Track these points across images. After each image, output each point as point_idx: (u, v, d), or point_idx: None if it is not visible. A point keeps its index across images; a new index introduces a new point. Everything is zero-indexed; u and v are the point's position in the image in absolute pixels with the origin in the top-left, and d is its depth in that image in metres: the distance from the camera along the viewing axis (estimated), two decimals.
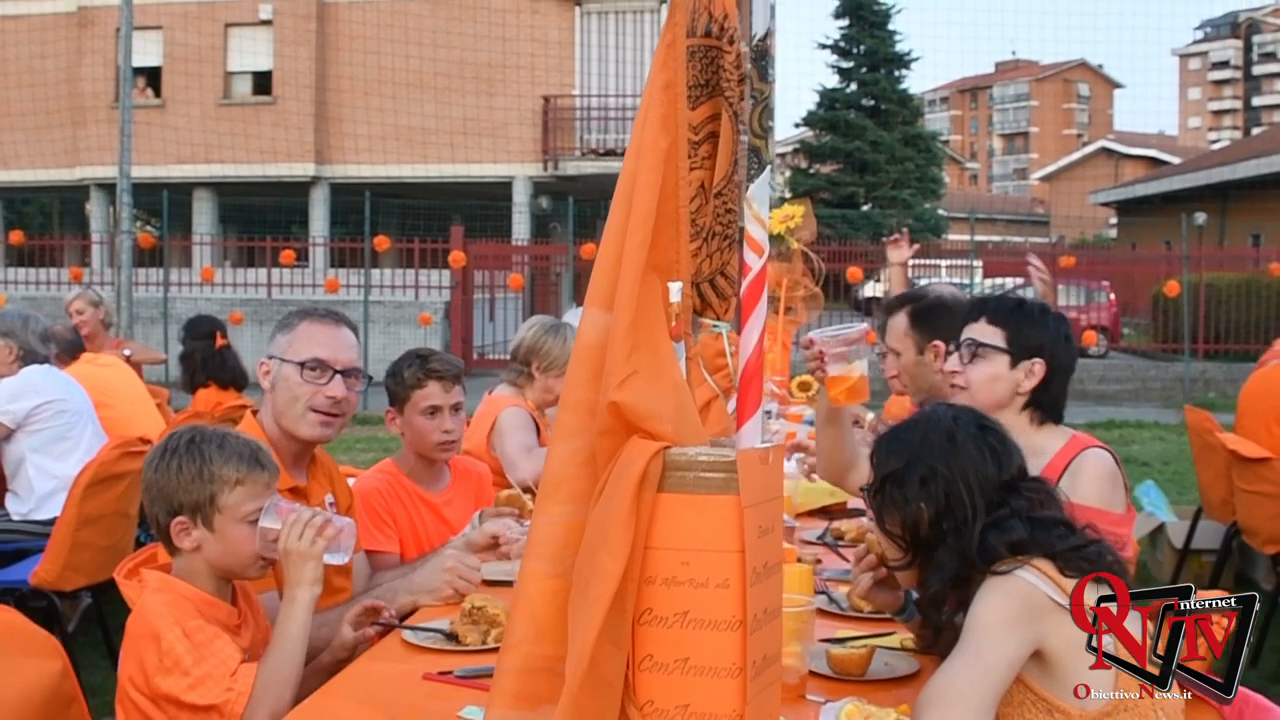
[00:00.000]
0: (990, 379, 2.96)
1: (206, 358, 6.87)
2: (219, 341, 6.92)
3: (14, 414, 5.16)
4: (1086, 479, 2.82)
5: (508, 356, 4.79)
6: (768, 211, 1.63)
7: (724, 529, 1.50)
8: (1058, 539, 2.13)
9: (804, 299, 5.54)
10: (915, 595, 2.40)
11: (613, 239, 1.56)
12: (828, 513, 3.94)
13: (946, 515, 2.17)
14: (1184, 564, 7.06)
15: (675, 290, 1.57)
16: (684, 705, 1.51)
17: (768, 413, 4.56)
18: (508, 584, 2.52)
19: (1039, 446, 2.88)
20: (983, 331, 2.99)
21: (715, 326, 2.78)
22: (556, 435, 1.63)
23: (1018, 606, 2.04)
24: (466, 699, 2.03)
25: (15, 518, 5.19)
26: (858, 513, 3.71)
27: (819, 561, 3.01)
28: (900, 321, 3.83)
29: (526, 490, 3.39)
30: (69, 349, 6.38)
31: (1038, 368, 2.96)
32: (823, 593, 2.81)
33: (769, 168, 1.69)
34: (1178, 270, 20.38)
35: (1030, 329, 3.00)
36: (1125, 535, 2.80)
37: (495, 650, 2.23)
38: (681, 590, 1.51)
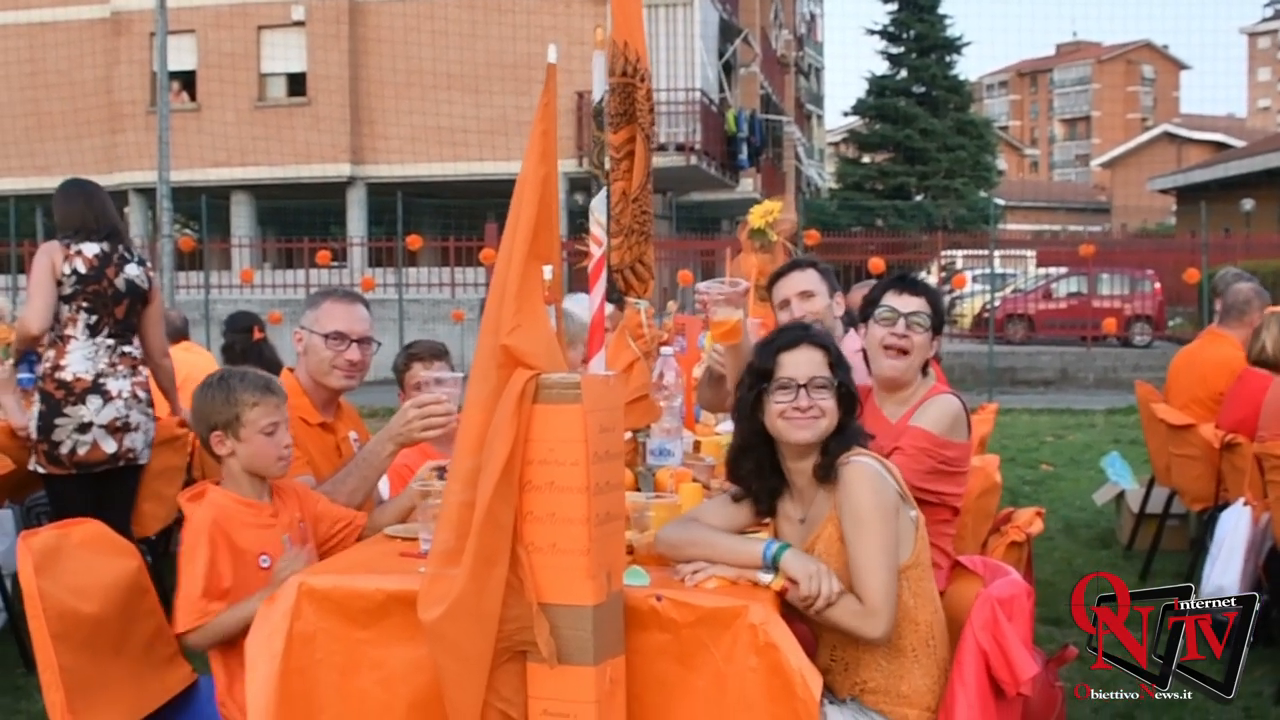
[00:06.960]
0: (926, 346, 3.74)
1: (246, 349, 7.58)
2: (257, 335, 7.70)
3: None
4: (933, 411, 3.64)
5: None
6: (605, 218, 2.39)
7: (574, 427, 2.29)
8: None
9: None
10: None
11: (507, 238, 2.33)
12: None
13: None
14: (1139, 527, 7.66)
15: (547, 271, 2.33)
16: (552, 544, 2.32)
17: None
18: None
19: (917, 391, 3.75)
20: (923, 306, 3.72)
21: (636, 303, 3.56)
22: (469, 407, 2.36)
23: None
24: (422, 563, 2.80)
25: None
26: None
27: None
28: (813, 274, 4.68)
29: None
30: (173, 334, 7.23)
31: (937, 341, 3.80)
32: None
33: (605, 189, 2.44)
34: (1223, 258, 20.38)
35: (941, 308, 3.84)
36: (955, 458, 3.58)
37: None
38: (548, 467, 2.31)
